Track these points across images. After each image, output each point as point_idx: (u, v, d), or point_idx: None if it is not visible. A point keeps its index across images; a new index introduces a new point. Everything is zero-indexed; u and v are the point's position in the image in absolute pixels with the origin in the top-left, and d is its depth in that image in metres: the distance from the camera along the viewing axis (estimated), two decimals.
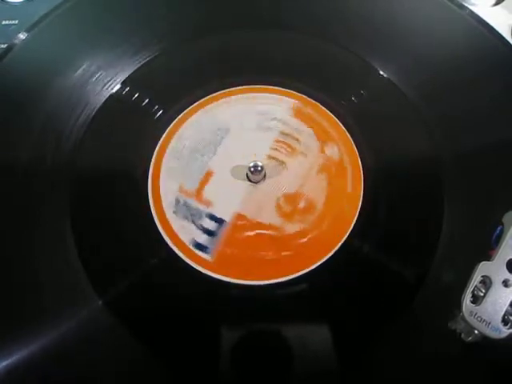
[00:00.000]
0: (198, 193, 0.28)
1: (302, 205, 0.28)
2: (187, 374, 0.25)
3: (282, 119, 0.31)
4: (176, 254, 0.27)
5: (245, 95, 0.31)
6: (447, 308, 0.24)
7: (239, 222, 0.27)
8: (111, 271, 0.27)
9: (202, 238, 0.27)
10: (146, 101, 0.31)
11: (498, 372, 0.24)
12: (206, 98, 0.31)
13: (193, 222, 0.28)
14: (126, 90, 0.31)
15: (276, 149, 0.30)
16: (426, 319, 0.25)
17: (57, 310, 0.25)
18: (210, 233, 0.27)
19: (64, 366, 0.24)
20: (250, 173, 0.28)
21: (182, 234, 0.27)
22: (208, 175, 0.29)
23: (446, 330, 0.23)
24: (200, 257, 0.27)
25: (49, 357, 0.24)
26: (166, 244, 0.27)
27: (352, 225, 0.27)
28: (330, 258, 0.26)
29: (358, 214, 0.28)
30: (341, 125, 0.30)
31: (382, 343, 0.25)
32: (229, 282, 0.26)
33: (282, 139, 0.30)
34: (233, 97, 0.31)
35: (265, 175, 0.29)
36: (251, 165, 0.28)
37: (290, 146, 0.30)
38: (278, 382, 0.25)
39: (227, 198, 0.28)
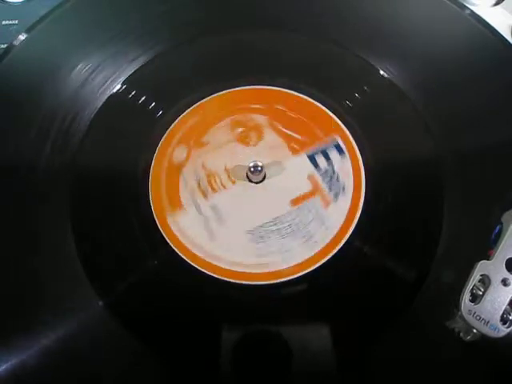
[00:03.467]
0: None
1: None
2: (187, 373, 0.25)
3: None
4: (176, 254, 0.27)
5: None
6: (447, 308, 0.24)
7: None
8: (111, 271, 0.27)
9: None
10: (146, 101, 0.31)
11: (498, 372, 0.24)
12: (206, 99, 0.31)
13: None
14: (126, 90, 0.31)
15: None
16: (425, 319, 0.25)
17: (57, 310, 0.25)
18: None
19: (64, 366, 0.24)
20: (250, 173, 0.28)
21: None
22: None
23: (446, 330, 0.23)
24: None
25: (49, 357, 0.24)
26: (166, 244, 0.27)
27: (352, 225, 0.27)
28: (330, 258, 0.26)
29: (358, 214, 0.28)
30: (341, 124, 0.30)
31: (381, 343, 0.25)
32: (229, 282, 0.26)
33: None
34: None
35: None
36: (251, 165, 0.28)
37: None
38: (278, 382, 0.25)
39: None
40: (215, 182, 0.29)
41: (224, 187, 0.29)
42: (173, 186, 0.29)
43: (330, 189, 0.28)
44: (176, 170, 0.29)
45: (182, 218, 0.28)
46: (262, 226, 0.27)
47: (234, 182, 0.29)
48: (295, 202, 0.28)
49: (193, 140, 0.30)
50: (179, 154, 0.30)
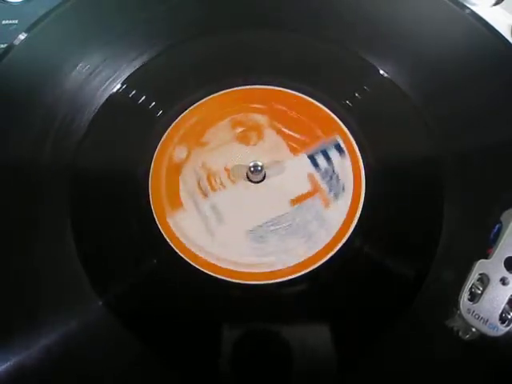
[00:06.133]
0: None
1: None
2: (187, 373, 0.25)
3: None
4: (176, 254, 0.27)
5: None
6: (447, 308, 0.24)
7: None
8: (111, 271, 0.27)
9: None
10: (146, 101, 0.31)
11: (497, 372, 0.24)
12: (206, 99, 0.31)
13: None
14: (126, 89, 0.31)
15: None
16: (425, 319, 0.25)
17: (57, 310, 0.25)
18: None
19: (64, 366, 0.24)
20: (250, 172, 0.28)
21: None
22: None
23: (446, 330, 0.23)
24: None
25: (49, 357, 0.24)
26: (166, 244, 0.27)
27: (352, 225, 0.27)
28: (330, 257, 0.26)
29: (358, 214, 0.28)
30: (341, 124, 0.30)
31: (382, 343, 0.25)
32: (229, 282, 0.26)
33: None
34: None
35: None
36: (251, 164, 0.28)
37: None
38: (278, 382, 0.25)
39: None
40: (215, 181, 0.29)
41: (224, 187, 0.29)
42: (173, 186, 0.29)
43: (330, 189, 0.28)
44: (176, 169, 0.29)
45: (182, 217, 0.28)
46: (261, 226, 0.27)
47: (233, 182, 0.29)
48: (295, 201, 0.28)
49: (193, 140, 0.30)
50: (179, 153, 0.30)
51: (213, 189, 0.29)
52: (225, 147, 0.30)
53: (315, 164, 0.29)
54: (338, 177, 0.29)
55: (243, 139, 0.30)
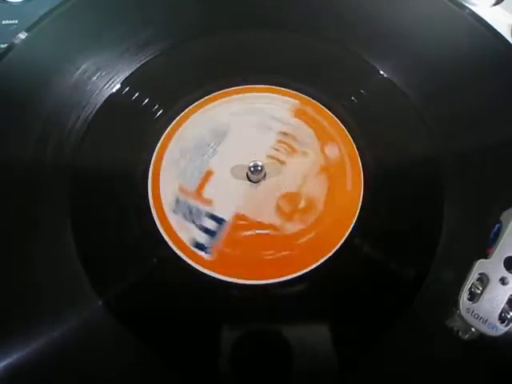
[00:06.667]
0: (198, 192, 0.28)
1: (302, 205, 0.28)
2: (187, 373, 0.25)
3: (281, 119, 0.31)
4: (176, 254, 0.27)
5: (244, 95, 0.31)
6: (447, 308, 0.24)
7: (239, 222, 0.27)
8: (111, 271, 0.26)
9: (203, 238, 0.27)
10: (146, 101, 0.31)
11: (497, 372, 0.24)
12: (205, 98, 0.31)
13: (193, 221, 0.28)
14: (126, 89, 0.31)
15: (276, 149, 0.30)
16: (425, 319, 0.25)
17: (57, 310, 0.25)
18: (210, 232, 0.27)
19: (64, 366, 0.24)
20: (250, 172, 0.28)
21: (181, 233, 0.27)
22: (208, 175, 0.29)
23: (446, 330, 0.23)
24: (200, 257, 0.27)
25: (49, 357, 0.24)
26: (166, 244, 0.27)
27: (352, 225, 0.27)
28: (330, 257, 0.26)
29: (358, 213, 0.28)
30: (341, 125, 0.30)
31: (381, 343, 0.25)
32: (229, 282, 0.26)
33: (281, 139, 0.30)
34: (233, 96, 0.31)
35: (265, 175, 0.29)
36: (251, 165, 0.28)
37: (290, 145, 0.30)
38: (278, 382, 0.25)
39: (227, 198, 0.28)
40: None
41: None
42: None
43: None
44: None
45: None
46: None
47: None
48: None
49: None
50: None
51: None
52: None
53: None
54: None
55: None
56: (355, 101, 0.31)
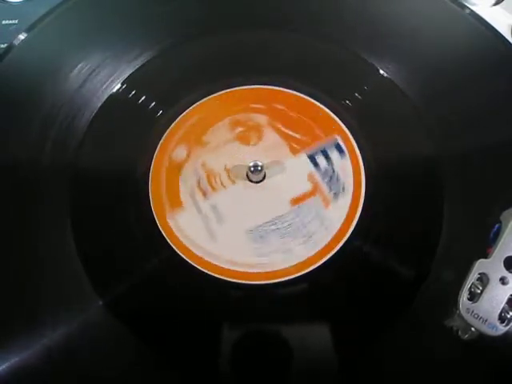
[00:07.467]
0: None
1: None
2: (187, 373, 0.25)
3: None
4: (176, 254, 0.27)
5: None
6: (447, 308, 0.24)
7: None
8: (111, 271, 0.27)
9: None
10: (146, 101, 0.31)
11: (497, 372, 0.24)
12: (206, 98, 0.31)
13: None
14: (126, 89, 0.31)
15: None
16: (425, 319, 0.25)
17: (57, 310, 0.25)
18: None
19: (64, 366, 0.24)
20: (250, 172, 0.28)
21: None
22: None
23: (446, 330, 0.23)
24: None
25: (49, 357, 0.24)
26: (166, 243, 0.27)
27: (352, 225, 0.27)
28: (330, 257, 0.26)
29: (358, 213, 0.28)
30: (341, 124, 0.30)
31: (381, 343, 0.25)
32: (229, 282, 0.26)
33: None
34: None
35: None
36: (251, 164, 0.28)
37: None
38: (278, 382, 0.25)
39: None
40: (215, 181, 0.29)
41: (224, 187, 0.29)
42: (173, 186, 0.29)
43: (330, 188, 0.28)
44: (176, 169, 0.29)
45: (182, 217, 0.28)
46: (261, 226, 0.27)
47: (233, 182, 0.29)
48: (295, 201, 0.28)
49: (193, 139, 0.30)
50: (179, 153, 0.30)
51: (213, 189, 0.29)
52: (225, 147, 0.30)
53: (315, 164, 0.29)
54: (337, 177, 0.29)
55: (243, 139, 0.30)
56: (355, 101, 0.31)
